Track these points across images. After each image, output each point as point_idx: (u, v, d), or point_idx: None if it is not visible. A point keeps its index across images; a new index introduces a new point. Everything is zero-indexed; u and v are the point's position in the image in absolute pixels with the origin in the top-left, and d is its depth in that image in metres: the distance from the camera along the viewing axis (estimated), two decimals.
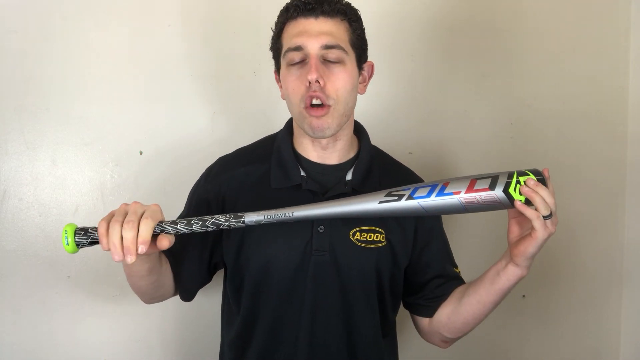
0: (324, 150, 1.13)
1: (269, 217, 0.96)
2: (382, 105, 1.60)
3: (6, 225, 1.46)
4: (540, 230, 0.96)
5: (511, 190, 0.95)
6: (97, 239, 0.90)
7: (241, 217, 0.96)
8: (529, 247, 0.98)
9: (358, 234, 1.11)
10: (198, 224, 0.95)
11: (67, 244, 0.92)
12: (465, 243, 1.55)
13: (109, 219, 0.89)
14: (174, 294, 1.18)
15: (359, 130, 1.20)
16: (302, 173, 1.12)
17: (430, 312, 1.20)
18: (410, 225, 1.16)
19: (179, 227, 0.94)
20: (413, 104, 1.68)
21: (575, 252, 1.81)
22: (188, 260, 1.14)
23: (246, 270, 1.12)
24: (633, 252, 1.83)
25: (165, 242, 0.91)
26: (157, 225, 0.91)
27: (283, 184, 1.11)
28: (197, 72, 1.54)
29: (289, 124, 1.19)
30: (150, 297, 1.13)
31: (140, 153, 1.51)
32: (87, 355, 1.52)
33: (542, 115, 1.76)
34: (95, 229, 0.92)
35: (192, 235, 1.11)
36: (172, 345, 1.58)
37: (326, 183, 1.12)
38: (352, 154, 1.17)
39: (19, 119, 1.45)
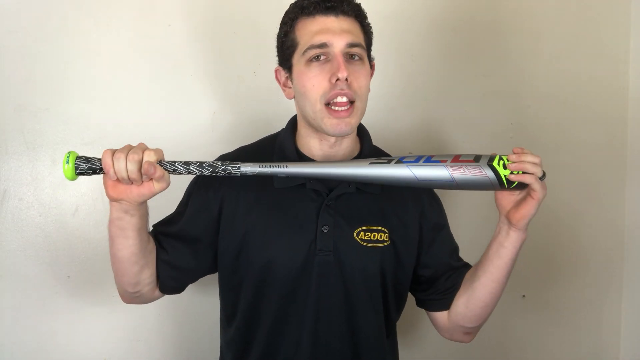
0: (330, 149, 1.13)
1: (263, 167, 0.99)
2: (382, 105, 1.60)
3: (6, 225, 1.46)
4: (540, 191, 0.97)
5: (495, 164, 0.98)
6: (97, 168, 0.94)
7: (237, 164, 0.99)
8: (531, 209, 0.99)
9: (362, 233, 1.10)
10: (195, 164, 0.98)
11: (67, 166, 0.93)
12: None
13: (114, 150, 0.94)
14: (154, 292, 1.14)
15: (360, 130, 1.20)
16: None
17: (446, 305, 1.19)
18: (414, 223, 1.16)
19: (176, 165, 0.97)
20: (413, 103, 1.68)
21: (576, 252, 1.81)
22: (176, 253, 1.12)
23: (247, 271, 1.11)
24: (633, 253, 1.83)
25: (159, 171, 0.93)
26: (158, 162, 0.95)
27: (286, 184, 1.11)
28: (197, 72, 1.54)
29: (292, 122, 1.19)
30: (130, 281, 1.09)
31: None
32: (87, 355, 1.52)
33: (542, 115, 1.76)
34: (97, 158, 0.95)
35: (185, 232, 1.12)
36: (172, 345, 1.58)
37: (330, 183, 1.12)
38: (355, 153, 1.17)
39: (19, 119, 1.45)
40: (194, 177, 1.19)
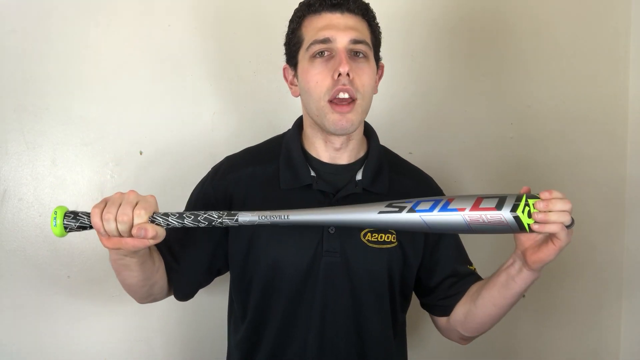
0: (336, 151, 1.12)
1: (263, 218, 0.94)
2: (382, 105, 1.59)
3: (6, 225, 1.46)
4: (565, 239, 0.91)
5: (519, 211, 0.89)
6: (87, 225, 0.91)
7: (235, 215, 0.94)
8: (551, 255, 0.94)
9: (369, 234, 1.10)
10: (190, 217, 0.93)
11: (55, 225, 0.90)
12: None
13: (102, 207, 0.89)
14: (169, 293, 1.16)
15: (368, 130, 1.19)
16: (312, 173, 1.12)
17: (446, 312, 1.18)
18: None
19: (170, 220, 0.92)
20: (413, 104, 1.68)
21: (575, 252, 1.80)
22: (187, 262, 1.13)
23: (255, 271, 1.11)
24: (633, 253, 1.83)
25: (151, 232, 0.88)
26: (150, 217, 0.91)
27: (293, 185, 1.10)
28: (197, 72, 1.54)
29: (298, 123, 1.18)
30: (142, 296, 1.11)
31: (140, 153, 1.51)
32: (87, 355, 1.52)
33: (542, 115, 1.76)
34: (86, 214, 0.91)
35: (195, 237, 1.12)
36: (173, 346, 1.58)
37: (337, 183, 1.11)
38: (361, 154, 1.16)
39: (19, 119, 1.45)
40: (200, 181, 1.19)
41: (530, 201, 0.89)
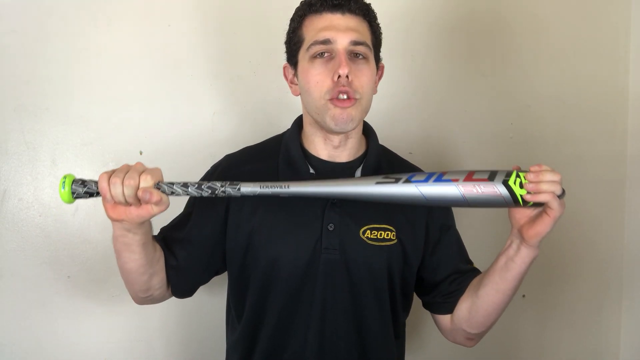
0: (335, 149, 1.12)
1: (264, 187, 0.96)
2: (382, 105, 1.59)
3: (6, 225, 1.46)
4: (558, 209, 0.93)
5: (511, 182, 0.92)
6: (94, 191, 0.93)
7: (237, 185, 0.96)
8: (546, 227, 0.95)
9: (369, 232, 1.10)
10: (194, 186, 0.96)
11: (64, 189, 0.92)
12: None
13: (110, 173, 0.92)
14: (166, 294, 1.15)
15: (367, 129, 1.19)
16: (311, 171, 1.12)
17: (449, 309, 1.18)
18: (420, 222, 1.15)
19: (174, 188, 0.95)
20: (413, 104, 1.68)
21: (575, 252, 1.81)
22: (186, 260, 1.12)
23: (254, 268, 1.11)
24: (633, 253, 1.83)
25: (155, 196, 0.91)
26: (155, 184, 0.93)
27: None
28: (197, 72, 1.54)
29: (298, 122, 1.19)
30: (141, 288, 1.10)
31: (140, 153, 1.51)
32: (87, 355, 1.52)
33: (542, 115, 1.76)
34: (94, 181, 0.93)
35: (194, 235, 1.12)
36: (173, 346, 1.58)
37: None
38: (360, 152, 1.16)
39: (19, 119, 1.45)
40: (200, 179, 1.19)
41: (521, 174, 0.93)
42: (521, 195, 0.93)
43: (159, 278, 1.10)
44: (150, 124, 1.52)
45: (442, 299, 1.18)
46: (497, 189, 0.93)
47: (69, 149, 1.48)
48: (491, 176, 0.94)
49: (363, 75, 1.05)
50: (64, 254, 1.49)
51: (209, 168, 1.20)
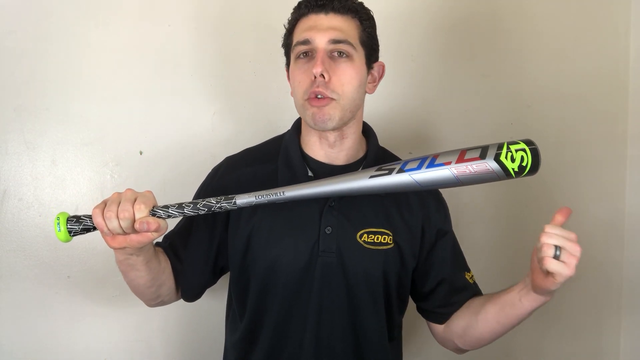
0: (331, 148, 1.12)
1: (260, 197, 0.96)
2: (382, 106, 1.60)
3: (6, 225, 1.46)
4: (560, 272, 0.92)
5: (502, 158, 0.93)
6: (91, 227, 0.93)
7: (232, 198, 0.95)
8: (553, 285, 0.96)
9: (365, 235, 1.10)
10: (189, 207, 0.95)
11: (60, 231, 0.92)
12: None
13: (102, 207, 0.91)
14: (176, 297, 1.18)
15: (367, 131, 1.19)
16: (310, 173, 1.12)
17: (442, 320, 1.19)
18: (416, 226, 1.15)
19: (170, 211, 0.94)
20: (413, 104, 1.68)
21: None
22: (192, 262, 1.13)
23: (252, 271, 1.11)
24: (633, 253, 1.83)
25: (153, 224, 0.90)
26: (150, 210, 0.92)
27: (290, 184, 1.11)
28: (197, 72, 1.54)
29: (297, 123, 1.19)
30: (150, 297, 1.13)
31: (140, 153, 1.51)
32: (87, 355, 1.52)
33: (542, 115, 1.76)
34: (88, 216, 0.93)
35: (198, 239, 1.13)
36: (173, 346, 1.58)
37: None
38: (360, 155, 1.16)
39: (19, 119, 1.45)
40: (201, 183, 1.20)
41: (512, 147, 0.94)
42: (513, 169, 0.94)
43: (167, 286, 1.12)
44: (150, 124, 1.52)
45: (437, 310, 1.19)
46: (489, 166, 0.94)
47: (69, 148, 1.48)
48: (482, 153, 0.95)
49: (343, 74, 1.05)
50: (64, 253, 1.49)
51: (209, 169, 1.20)
